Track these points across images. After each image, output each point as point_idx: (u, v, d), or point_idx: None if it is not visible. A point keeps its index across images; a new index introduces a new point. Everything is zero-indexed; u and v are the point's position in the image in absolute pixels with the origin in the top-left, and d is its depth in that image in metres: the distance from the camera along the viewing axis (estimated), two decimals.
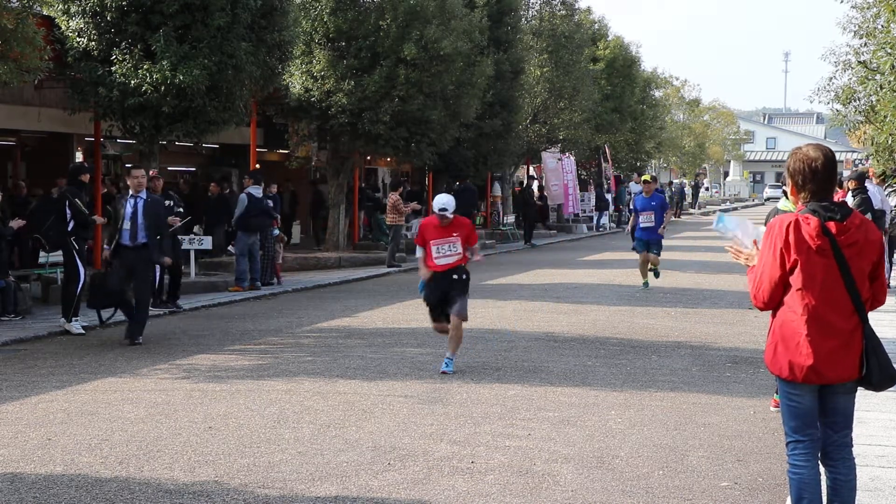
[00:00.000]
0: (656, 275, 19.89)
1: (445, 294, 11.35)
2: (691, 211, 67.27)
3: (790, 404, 5.39)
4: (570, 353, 12.53)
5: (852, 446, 5.48)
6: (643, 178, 20.54)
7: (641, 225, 19.33)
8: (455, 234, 11.32)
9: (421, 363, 11.77)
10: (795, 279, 5.30)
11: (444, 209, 11.26)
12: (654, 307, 17.16)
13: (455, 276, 11.34)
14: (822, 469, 5.47)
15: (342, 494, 6.83)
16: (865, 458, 7.23)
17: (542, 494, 6.89)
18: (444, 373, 11.00)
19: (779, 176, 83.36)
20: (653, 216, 19.25)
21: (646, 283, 19.71)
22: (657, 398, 9.98)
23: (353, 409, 9.37)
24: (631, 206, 20.21)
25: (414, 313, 16.43)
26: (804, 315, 5.27)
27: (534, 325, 14.90)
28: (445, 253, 11.30)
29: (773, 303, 5.38)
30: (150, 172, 17.44)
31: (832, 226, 5.26)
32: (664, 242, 20.59)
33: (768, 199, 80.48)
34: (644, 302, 17.88)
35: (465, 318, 11.43)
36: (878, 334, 5.59)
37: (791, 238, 5.27)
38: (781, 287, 5.34)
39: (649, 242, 19.28)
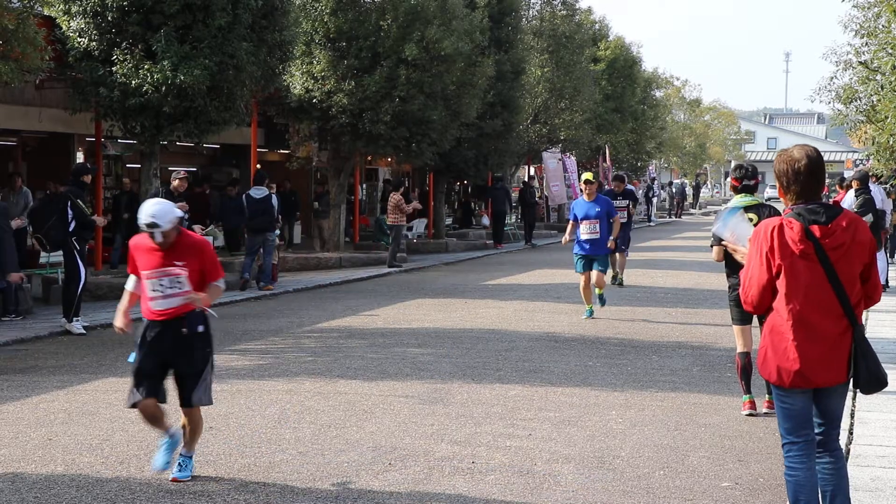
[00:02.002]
0: (601, 301, 15.91)
1: (167, 359, 7.18)
2: (692, 211, 67.26)
3: (782, 407, 5.44)
4: (571, 354, 12.53)
5: (838, 440, 5.51)
6: (584, 176, 15.95)
7: (582, 237, 15.29)
8: (180, 264, 7.14)
9: (422, 363, 11.76)
10: (781, 284, 5.32)
11: (154, 224, 7.03)
12: (654, 307, 17.15)
13: (185, 331, 7.16)
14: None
15: (343, 494, 6.83)
16: (866, 458, 7.23)
17: (543, 495, 6.89)
18: (175, 480, 7.10)
19: None
20: (597, 226, 15.21)
21: (590, 310, 15.59)
22: (658, 398, 9.98)
23: (354, 410, 9.36)
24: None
25: (415, 313, 16.44)
26: (790, 320, 5.29)
27: (534, 326, 14.90)
28: (166, 291, 7.14)
29: (762, 306, 5.41)
30: (181, 174, 17.38)
31: (816, 229, 5.26)
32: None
33: (769, 198, 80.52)
34: (645, 302, 17.87)
35: (206, 403, 7.31)
36: (878, 334, 5.61)
37: (775, 243, 5.28)
38: (770, 291, 5.36)
39: (593, 259, 15.31)
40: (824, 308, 5.27)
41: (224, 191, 25.62)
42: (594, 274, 15.40)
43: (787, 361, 5.29)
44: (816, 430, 5.44)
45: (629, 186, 22.40)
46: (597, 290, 15.76)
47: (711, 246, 9.48)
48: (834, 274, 5.25)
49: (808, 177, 5.35)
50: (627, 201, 20.61)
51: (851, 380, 5.36)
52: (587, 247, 15.26)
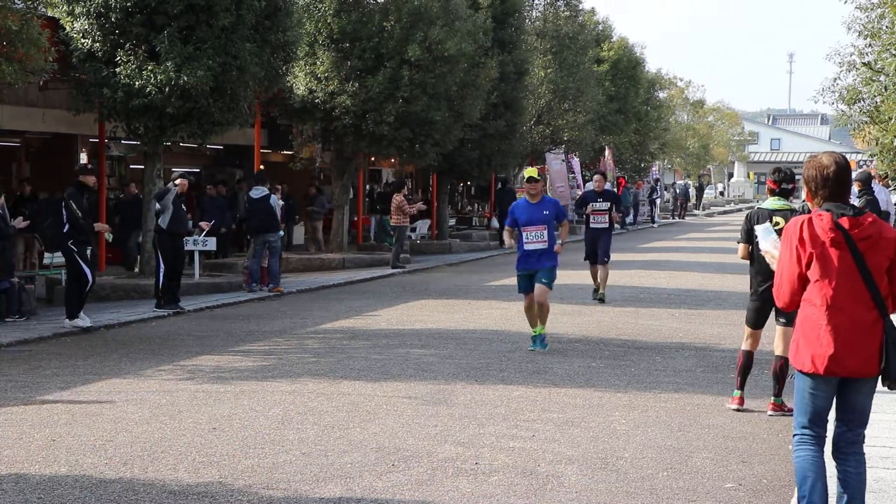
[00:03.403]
0: (539, 342, 12.64)
1: None
2: (695, 212, 67.19)
3: (805, 400, 5.53)
4: (574, 355, 12.52)
5: (863, 443, 5.60)
6: (526, 173, 13.14)
7: (526, 246, 12.57)
8: None
9: (425, 364, 11.76)
10: (813, 272, 5.47)
11: None
12: (658, 308, 17.14)
13: None
14: (832, 464, 5.58)
15: (346, 496, 6.83)
16: (870, 459, 7.19)
17: (547, 496, 6.89)
18: None
19: None
20: (544, 232, 12.54)
21: (536, 338, 12.70)
22: (661, 399, 9.97)
23: (358, 411, 9.36)
24: (508, 216, 13.04)
25: (418, 314, 16.44)
26: (823, 305, 5.44)
27: None
28: None
29: (793, 302, 5.57)
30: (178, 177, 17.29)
31: (845, 221, 5.44)
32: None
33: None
34: (648, 303, 17.87)
35: None
36: None
37: (805, 234, 5.46)
38: (800, 285, 5.52)
39: (536, 273, 12.60)
40: (855, 296, 5.42)
41: (205, 190, 25.30)
42: (536, 288, 12.55)
43: (821, 348, 5.41)
44: (839, 431, 5.53)
45: (609, 187, 19.85)
46: (536, 328, 12.68)
47: (738, 243, 9.56)
48: (863, 263, 5.41)
49: (835, 182, 5.56)
50: (609, 203, 18.13)
51: (882, 373, 5.45)
52: (531, 259, 12.59)
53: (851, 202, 5.72)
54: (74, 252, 14.49)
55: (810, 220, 5.49)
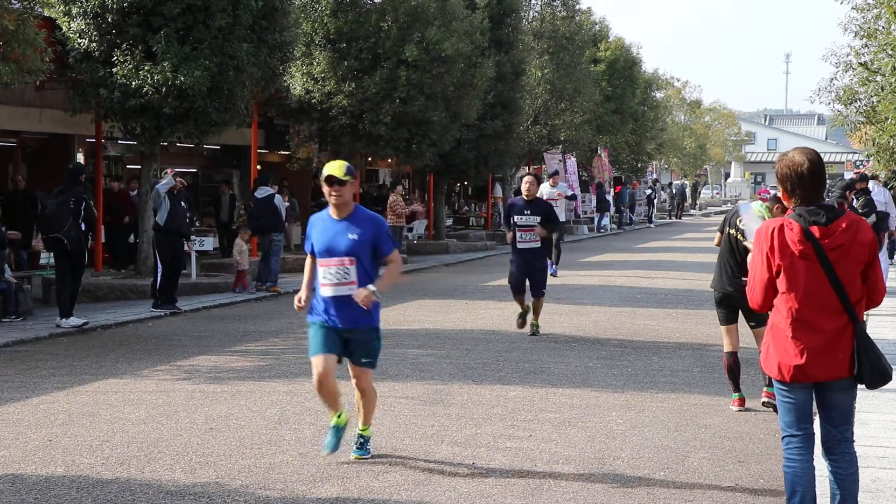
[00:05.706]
0: (361, 447, 7.75)
1: None
2: (692, 212, 67.21)
3: (784, 401, 5.55)
4: (571, 355, 12.52)
5: (853, 441, 5.57)
6: (327, 171, 7.46)
7: (323, 290, 7.57)
8: None
9: (422, 364, 11.76)
10: (780, 283, 5.45)
11: None
12: (655, 308, 17.15)
13: None
14: (824, 463, 5.57)
15: (343, 496, 6.83)
16: (867, 458, 7.23)
17: (543, 496, 6.89)
18: None
19: None
20: (351, 269, 7.60)
21: (361, 444, 7.77)
22: (658, 399, 9.98)
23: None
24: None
25: (415, 314, 16.43)
26: (788, 317, 5.43)
27: None
28: None
29: (766, 304, 5.56)
30: (169, 171, 17.31)
31: (815, 230, 5.38)
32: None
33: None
34: (645, 303, 17.87)
35: None
36: (879, 336, 5.65)
37: (775, 243, 5.42)
38: (771, 289, 5.51)
39: (350, 342, 7.75)
40: (823, 306, 5.38)
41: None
42: (353, 369, 7.79)
43: (788, 357, 5.41)
44: (825, 430, 5.51)
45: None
46: (360, 424, 7.86)
47: (718, 231, 9.65)
48: (833, 273, 5.36)
49: (811, 179, 5.47)
50: (538, 218, 13.59)
51: (854, 375, 5.43)
52: (331, 309, 7.59)
53: (843, 200, 5.72)
54: (86, 249, 14.60)
55: (781, 228, 5.43)
